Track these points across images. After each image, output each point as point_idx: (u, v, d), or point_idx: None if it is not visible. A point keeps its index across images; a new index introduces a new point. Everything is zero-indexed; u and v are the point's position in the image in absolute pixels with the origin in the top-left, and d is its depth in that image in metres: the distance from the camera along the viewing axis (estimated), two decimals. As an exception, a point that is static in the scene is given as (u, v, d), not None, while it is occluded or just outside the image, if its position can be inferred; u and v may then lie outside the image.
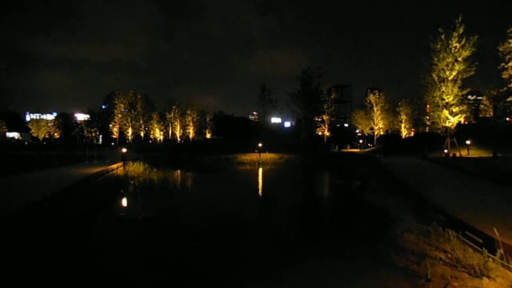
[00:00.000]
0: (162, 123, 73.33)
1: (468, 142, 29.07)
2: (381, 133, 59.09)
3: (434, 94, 26.97)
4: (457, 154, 26.58)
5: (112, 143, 61.70)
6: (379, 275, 6.22)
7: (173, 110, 72.09)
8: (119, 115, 66.08)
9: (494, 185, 13.20)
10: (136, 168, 25.09)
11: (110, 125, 66.41)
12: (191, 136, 73.00)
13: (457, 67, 25.10)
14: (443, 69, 25.90)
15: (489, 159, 22.67)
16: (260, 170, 31.05)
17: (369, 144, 58.60)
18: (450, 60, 25.32)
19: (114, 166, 23.01)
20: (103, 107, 78.64)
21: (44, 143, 73.90)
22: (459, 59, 24.89)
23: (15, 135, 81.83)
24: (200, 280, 6.47)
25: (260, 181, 24.46)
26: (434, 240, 7.71)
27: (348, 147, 58.99)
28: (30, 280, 6.33)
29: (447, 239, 7.52)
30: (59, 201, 11.33)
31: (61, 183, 13.49)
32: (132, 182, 20.24)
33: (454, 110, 26.35)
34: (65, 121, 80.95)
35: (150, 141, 73.93)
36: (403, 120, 55.41)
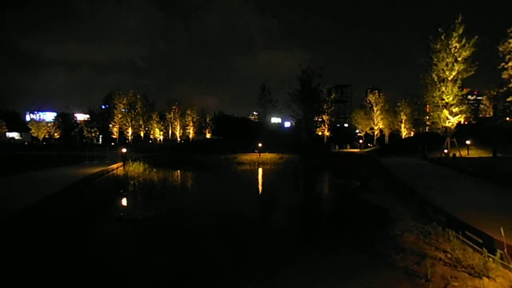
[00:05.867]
0: (162, 123, 73.37)
1: (468, 142, 29.07)
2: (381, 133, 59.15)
3: (434, 94, 26.98)
4: (457, 154, 26.59)
5: (112, 143, 61.66)
6: (379, 275, 6.21)
7: (173, 110, 72.13)
8: (119, 115, 66.06)
9: (494, 185, 13.20)
10: (136, 168, 25.08)
11: (110, 125, 66.39)
12: (191, 136, 73.04)
13: (456, 67, 25.12)
14: (442, 69, 25.92)
15: (489, 159, 22.67)
16: (260, 170, 31.04)
17: (369, 144, 58.68)
18: (450, 60, 25.33)
19: (114, 166, 23.01)
20: (103, 107, 78.64)
21: (44, 143, 73.93)
22: (459, 59, 24.91)
23: (15, 135, 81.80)
24: (201, 280, 6.46)
25: (260, 180, 24.45)
26: (434, 240, 7.70)
27: (348, 147, 59.05)
28: (30, 280, 6.32)
29: (447, 239, 7.52)
30: (59, 201, 11.33)
31: (60, 183, 13.49)
32: (132, 182, 20.22)
33: (454, 110, 26.36)
34: (65, 121, 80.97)
35: (150, 141, 73.96)
36: (403, 120, 55.44)
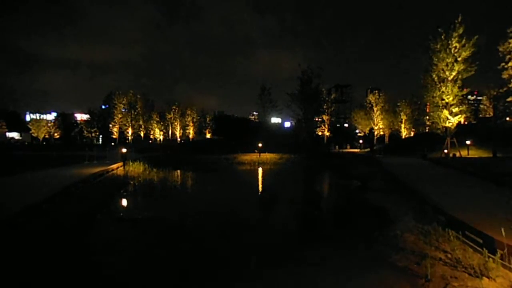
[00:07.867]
0: (162, 123, 73.38)
1: (468, 142, 29.07)
2: (381, 133, 59.11)
3: (434, 94, 26.98)
4: (457, 154, 26.59)
5: (112, 143, 61.65)
6: (379, 275, 6.21)
7: (173, 110, 72.13)
8: (119, 115, 66.06)
9: (494, 185, 13.20)
10: (136, 168, 25.07)
11: (110, 125, 66.39)
12: (191, 136, 73.03)
13: (457, 67, 25.11)
14: (443, 69, 25.91)
15: (489, 159, 22.67)
16: (260, 170, 31.05)
17: (369, 144, 58.69)
18: (450, 60, 25.32)
19: (114, 166, 23.00)
20: (103, 107, 78.66)
21: (44, 143, 73.92)
22: (459, 59, 24.90)
23: (15, 135, 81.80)
24: (201, 280, 6.46)
25: (260, 180, 24.46)
26: (434, 240, 7.70)
27: (348, 147, 59.10)
28: (31, 280, 6.32)
29: (447, 239, 7.51)
30: (59, 202, 11.32)
31: (60, 183, 13.48)
32: (132, 182, 20.22)
33: (454, 110, 26.36)
34: (65, 121, 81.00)
35: (150, 141, 74.00)
36: (403, 120, 55.43)
